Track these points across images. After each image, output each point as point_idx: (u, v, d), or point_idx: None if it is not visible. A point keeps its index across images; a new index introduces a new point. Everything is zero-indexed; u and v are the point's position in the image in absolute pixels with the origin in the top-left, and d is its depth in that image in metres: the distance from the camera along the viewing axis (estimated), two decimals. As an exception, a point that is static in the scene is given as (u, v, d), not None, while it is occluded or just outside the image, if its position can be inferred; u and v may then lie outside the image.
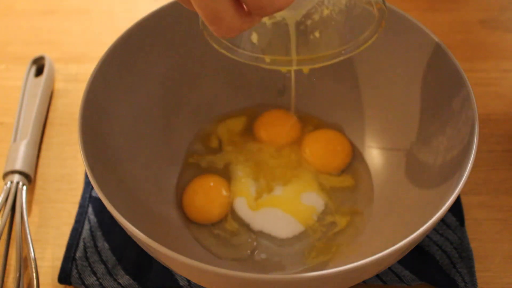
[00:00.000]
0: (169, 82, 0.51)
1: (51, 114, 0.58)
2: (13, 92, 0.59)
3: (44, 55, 0.61)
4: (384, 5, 0.36)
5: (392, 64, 0.49)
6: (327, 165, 0.52)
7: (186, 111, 0.53)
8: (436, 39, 0.45)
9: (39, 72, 0.60)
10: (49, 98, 0.59)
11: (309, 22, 0.45)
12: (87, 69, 0.59)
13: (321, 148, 0.53)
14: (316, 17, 0.44)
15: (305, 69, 0.47)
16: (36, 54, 0.61)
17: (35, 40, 0.65)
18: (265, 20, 0.45)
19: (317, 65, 0.45)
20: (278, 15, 0.44)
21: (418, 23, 0.46)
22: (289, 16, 0.44)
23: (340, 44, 0.44)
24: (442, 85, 0.45)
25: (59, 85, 0.61)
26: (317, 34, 0.45)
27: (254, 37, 0.45)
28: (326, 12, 0.43)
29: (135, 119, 0.48)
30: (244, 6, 0.31)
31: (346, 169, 0.52)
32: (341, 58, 0.44)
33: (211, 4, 0.30)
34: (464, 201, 0.50)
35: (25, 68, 0.60)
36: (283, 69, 0.46)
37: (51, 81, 0.60)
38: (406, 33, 0.47)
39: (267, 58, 0.45)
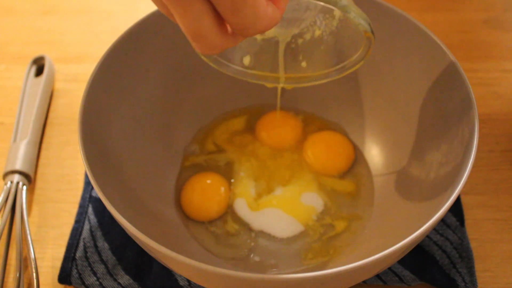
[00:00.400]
0: (169, 82, 0.51)
1: (51, 114, 0.58)
2: (13, 92, 0.59)
3: (44, 55, 0.61)
4: (372, 34, 0.37)
5: (391, 64, 0.49)
6: (328, 168, 0.52)
7: (186, 110, 0.53)
8: (436, 39, 0.45)
9: (39, 72, 0.60)
10: (49, 98, 0.59)
11: (300, 41, 0.45)
12: (87, 69, 0.59)
13: (323, 150, 0.52)
14: (307, 36, 0.44)
15: (289, 86, 0.48)
16: (36, 54, 0.61)
17: (35, 40, 0.65)
18: (257, 36, 0.45)
19: (303, 85, 0.46)
20: (270, 32, 0.45)
21: (418, 23, 0.46)
22: (280, 34, 0.44)
23: (327, 65, 0.45)
24: (441, 85, 0.45)
25: (59, 85, 0.61)
26: (306, 53, 0.46)
27: (247, 60, 0.45)
28: (317, 32, 0.44)
29: (135, 118, 0.48)
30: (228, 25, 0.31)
31: (347, 172, 0.52)
32: (327, 80, 0.45)
33: (193, 22, 0.30)
34: (464, 201, 0.50)
35: (25, 68, 0.60)
36: (269, 85, 0.47)
37: (51, 81, 0.60)
38: (406, 33, 0.47)
39: (255, 74, 0.45)
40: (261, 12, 0.30)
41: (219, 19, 0.31)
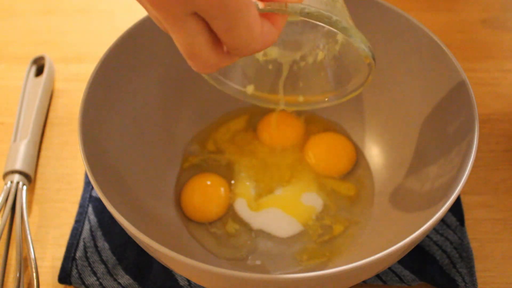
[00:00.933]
0: (169, 82, 0.51)
1: (51, 114, 0.58)
2: (13, 92, 0.59)
3: (44, 55, 0.61)
4: (374, 60, 0.36)
5: (391, 64, 0.49)
6: (329, 169, 0.51)
7: (186, 110, 0.53)
8: (436, 39, 0.45)
9: (39, 72, 0.60)
10: (49, 98, 0.59)
11: (302, 64, 0.45)
12: (87, 69, 0.59)
13: (324, 152, 0.52)
14: (310, 60, 0.44)
15: (288, 108, 0.48)
16: (36, 54, 0.61)
17: (35, 40, 0.65)
18: (259, 57, 0.45)
19: (302, 108, 0.46)
20: (272, 53, 0.45)
21: (418, 23, 0.46)
22: (283, 56, 0.44)
23: (327, 90, 0.45)
24: (442, 85, 0.45)
25: (59, 85, 0.61)
26: (307, 77, 0.46)
27: (250, 89, 0.45)
28: (320, 56, 0.44)
29: (135, 118, 0.48)
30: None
31: (348, 173, 0.51)
32: (325, 105, 0.45)
33: (187, 40, 0.30)
34: (464, 201, 0.50)
35: (25, 68, 0.60)
36: (269, 106, 0.47)
37: (51, 81, 0.60)
38: (406, 33, 0.47)
39: (255, 95, 0.45)
40: (255, 33, 0.30)
41: (214, 38, 0.30)
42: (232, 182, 0.51)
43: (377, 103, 0.52)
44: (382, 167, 0.51)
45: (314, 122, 0.54)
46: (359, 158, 0.52)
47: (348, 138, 0.53)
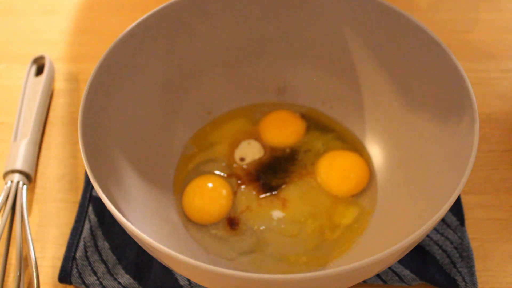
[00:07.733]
0: (169, 81, 0.51)
1: (51, 114, 0.58)
2: (14, 91, 0.59)
3: (44, 54, 0.61)
4: None
5: (391, 64, 0.49)
6: (337, 190, 0.50)
7: (186, 110, 0.53)
8: (436, 39, 0.45)
9: (39, 71, 0.60)
10: (49, 97, 0.59)
11: None
12: (87, 69, 0.59)
13: (336, 177, 0.51)
14: None
15: None
16: (36, 53, 0.61)
17: (35, 40, 0.65)
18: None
19: None
20: None
21: (418, 23, 0.46)
22: None
23: None
24: (442, 85, 0.45)
25: (59, 84, 0.61)
26: None
27: None
28: None
29: (135, 118, 0.48)
30: None
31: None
32: None
33: None
34: (464, 201, 0.50)
35: (25, 68, 0.60)
36: None
37: (51, 80, 0.60)
38: (407, 32, 0.47)
39: None
40: None
41: None
42: (233, 182, 0.51)
43: (377, 103, 0.52)
44: (382, 167, 0.51)
45: (311, 116, 0.54)
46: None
47: (363, 150, 0.52)
